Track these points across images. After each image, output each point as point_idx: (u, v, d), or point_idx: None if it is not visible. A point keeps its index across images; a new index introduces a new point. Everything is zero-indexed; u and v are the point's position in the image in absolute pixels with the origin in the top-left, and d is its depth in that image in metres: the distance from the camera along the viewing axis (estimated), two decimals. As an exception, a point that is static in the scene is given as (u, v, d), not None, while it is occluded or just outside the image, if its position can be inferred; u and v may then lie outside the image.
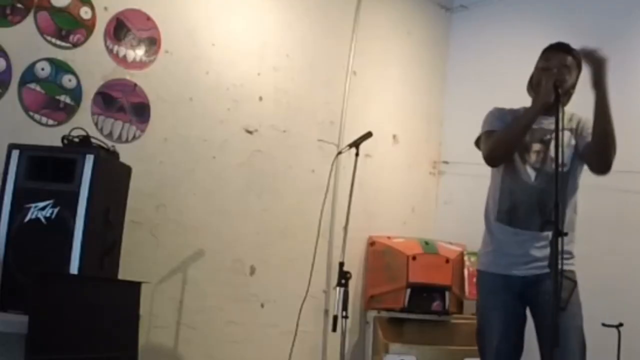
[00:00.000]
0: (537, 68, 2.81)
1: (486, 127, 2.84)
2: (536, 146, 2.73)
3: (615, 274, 3.82)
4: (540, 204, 2.66)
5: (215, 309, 3.73)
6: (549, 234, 2.56)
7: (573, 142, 2.73)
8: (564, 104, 2.68)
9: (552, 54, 2.77)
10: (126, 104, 3.48)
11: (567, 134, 2.66)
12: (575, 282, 2.65)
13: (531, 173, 2.73)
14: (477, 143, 2.89)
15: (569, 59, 2.74)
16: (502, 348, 2.69)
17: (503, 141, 2.73)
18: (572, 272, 2.68)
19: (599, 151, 2.62)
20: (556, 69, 2.70)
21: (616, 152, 2.63)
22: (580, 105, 2.75)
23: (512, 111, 2.83)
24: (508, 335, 2.69)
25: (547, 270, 2.37)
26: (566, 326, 2.48)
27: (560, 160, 2.42)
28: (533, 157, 2.73)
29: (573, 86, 2.78)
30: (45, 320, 2.28)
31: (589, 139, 2.66)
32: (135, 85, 3.51)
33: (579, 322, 2.61)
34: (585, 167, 2.78)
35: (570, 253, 2.68)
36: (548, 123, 2.67)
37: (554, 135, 2.64)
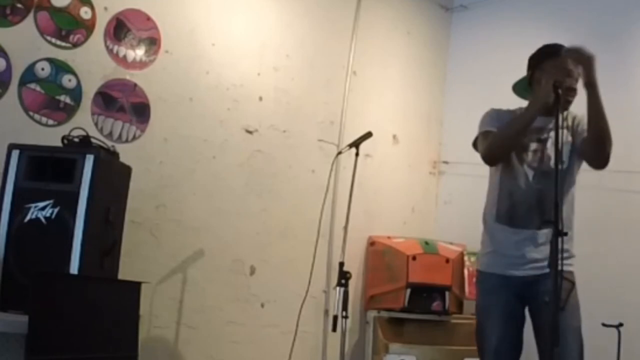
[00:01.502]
0: (544, 70, 2.76)
1: (483, 127, 2.84)
2: (533, 145, 2.74)
3: (615, 274, 3.81)
4: (539, 203, 2.66)
5: (215, 309, 3.74)
6: (547, 233, 2.57)
7: (570, 139, 2.74)
8: (565, 108, 2.68)
9: (561, 58, 2.72)
10: (126, 104, 3.48)
11: (563, 131, 2.65)
12: (573, 283, 2.65)
13: (529, 172, 2.73)
14: (475, 144, 2.89)
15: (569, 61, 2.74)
16: (501, 348, 2.69)
17: (502, 140, 2.73)
18: (571, 272, 2.68)
19: (596, 147, 2.63)
20: (571, 73, 2.68)
21: (612, 146, 2.63)
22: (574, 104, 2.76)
23: (509, 112, 2.83)
24: (507, 336, 2.70)
25: (545, 270, 2.38)
26: (564, 326, 2.48)
27: (560, 160, 2.41)
28: (530, 156, 2.74)
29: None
30: (45, 320, 2.28)
31: (585, 135, 2.67)
32: (135, 85, 3.51)
33: (577, 323, 2.61)
34: (584, 165, 2.78)
35: (568, 252, 2.68)
36: (544, 122, 2.67)
37: (550, 134, 2.65)
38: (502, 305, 2.72)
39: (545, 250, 2.59)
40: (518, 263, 2.69)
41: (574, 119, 2.77)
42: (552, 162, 2.66)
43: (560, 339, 2.33)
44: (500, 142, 2.74)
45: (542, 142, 2.72)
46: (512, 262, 2.70)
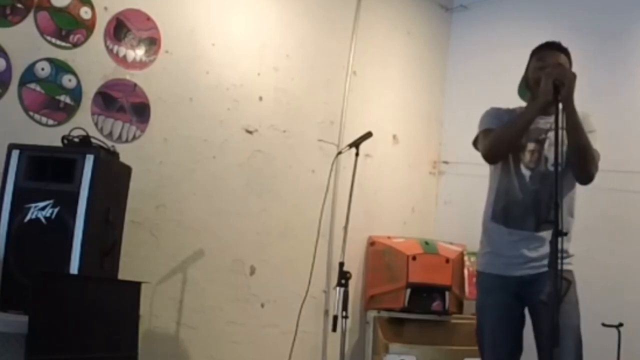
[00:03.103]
0: (530, 69, 2.81)
1: (483, 125, 2.84)
2: (531, 146, 2.74)
3: (615, 274, 3.81)
4: (534, 204, 2.66)
5: (215, 309, 3.73)
6: (544, 234, 2.57)
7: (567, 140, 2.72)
8: (569, 100, 2.64)
9: (544, 53, 2.77)
10: (126, 104, 3.48)
11: (563, 132, 2.65)
12: (569, 282, 2.64)
13: (526, 173, 2.73)
14: (475, 143, 2.89)
15: (562, 57, 2.75)
16: (500, 348, 2.69)
17: (502, 138, 2.73)
18: (569, 271, 2.67)
19: (578, 164, 2.63)
20: (552, 67, 2.69)
21: (596, 165, 2.64)
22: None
23: (508, 111, 2.83)
24: (506, 336, 2.70)
25: (542, 270, 2.37)
26: (561, 325, 2.48)
27: (554, 160, 2.41)
28: (527, 156, 2.73)
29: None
30: (45, 320, 2.28)
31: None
32: (135, 85, 3.51)
33: (575, 321, 2.61)
34: None
35: (566, 252, 2.68)
36: (543, 122, 2.68)
37: (549, 134, 2.65)
38: (501, 306, 2.72)
39: (541, 250, 2.61)
40: (515, 263, 2.69)
41: None
42: (549, 164, 2.67)
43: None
44: (501, 141, 2.74)
45: (540, 142, 2.72)
46: (509, 262, 2.70)
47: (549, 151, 2.68)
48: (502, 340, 2.69)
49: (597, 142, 2.70)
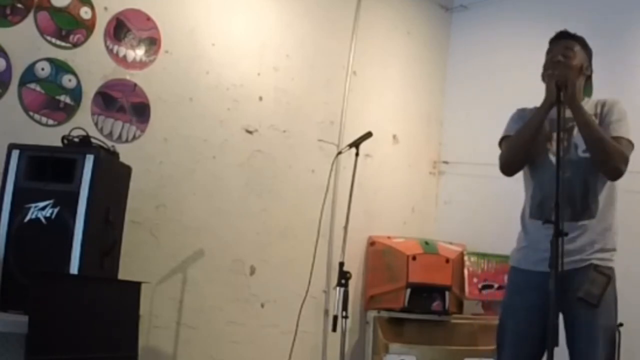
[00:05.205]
0: (544, 63, 2.76)
1: (504, 132, 2.79)
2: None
3: (615, 274, 3.81)
4: (568, 192, 2.53)
5: (215, 309, 3.73)
6: (580, 225, 2.54)
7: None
8: (573, 99, 2.61)
9: (553, 45, 2.74)
10: (126, 104, 3.48)
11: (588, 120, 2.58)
12: (609, 278, 2.56)
13: (554, 162, 2.59)
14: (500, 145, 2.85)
15: (570, 42, 2.70)
16: (521, 349, 2.61)
17: (514, 148, 2.69)
18: (610, 268, 2.60)
19: (597, 160, 2.56)
20: (561, 56, 2.65)
21: (624, 157, 2.55)
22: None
23: (532, 110, 2.74)
24: (529, 336, 2.58)
25: (579, 265, 2.35)
26: (597, 325, 2.44)
27: (560, 162, 2.39)
28: (555, 145, 2.60)
29: (584, 67, 2.72)
30: (45, 320, 2.28)
31: (611, 124, 2.59)
32: (135, 85, 3.51)
33: (611, 322, 2.56)
34: None
35: (604, 246, 2.61)
36: (568, 112, 2.59)
37: (574, 123, 2.60)
38: (527, 306, 2.60)
39: (578, 242, 2.54)
40: (549, 257, 2.62)
41: (602, 105, 2.67)
42: (579, 150, 2.59)
43: (590, 338, 2.30)
44: (512, 152, 2.69)
45: (567, 130, 2.62)
46: (544, 257, 2.58)
47: (577, 138, 2.60)
48: (525, 341, 2.59)
49: (630, 128, 2.61)
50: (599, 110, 2.67)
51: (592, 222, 2.60)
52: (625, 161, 2.56)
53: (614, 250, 2.67)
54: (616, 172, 2.57)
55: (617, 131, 2.58)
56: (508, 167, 2.72)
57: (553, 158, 2.63)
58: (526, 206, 2.78)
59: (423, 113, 4.92)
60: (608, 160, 2.54)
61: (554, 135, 2.63)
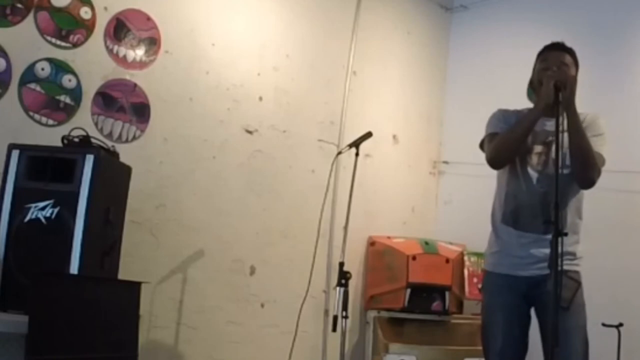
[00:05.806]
0: (535, 70, 2.80)
1: (489, 129, 2.83)
2: (538, 148, 2.72)
3: (615, 274, 3.81)
4: (543, 206, 2.62)
5: (215, 309, 3.73)
6: (551, 236, 2.56)
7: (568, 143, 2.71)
8: (570, 103, 2.64)
9: (548, 54, 2.77)
10: (126, 104, 3.48)
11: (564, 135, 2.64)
12: (579, 283, 2.65)
13: (533, 175, 2.72)
14: (482, 146, 2.88)
15: (567, 57, 2.75)
16: (506, 348, 2.68)
17: (505, 144, 2.72)
18: (577, 272, 2.68)
19: (578, 167, 2.63)
20: (555, 67, 2.70)
21: (599, 170, 2.63)
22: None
23: (516, 112, 2.81)
24: (512, 335, 2.69)
25: (549, 271, 2.36)
26: (569, 326, 2.48)
27: (560, 163, 2.41)
28: (535, 159, 2.72)
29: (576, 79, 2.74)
30: (45, 320, 2.27)
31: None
32: (135, 85, 3.51)
33: (582, 322, 2.61)
34: None
35: (574, 254, 2.68)
36: (550, 125, 2.64)
37: (554, 138, 2.63)
38: (508, 305, 2.71)
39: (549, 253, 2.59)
40: (524, 263, 2.68)
41: (583, 120, 2.71)
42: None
43: (564, 339, 2.33)
44: (503, 147, 2.73)
45: (547, 145, 2.70)
46: (518, 262, 2.70)
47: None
48: (509, 339, 2.68)
49: (605, 145, 2.69)
50: None
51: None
52: (599, 175, 2.66)
53: (580, 257, 2.74)
54: (590, 183, 2.66)
55: (595, 146, 2.65)
56: (498, 162, 2.78)
57: (532, 172, 2.72)
58: (496, 209, 2.85)
59: (423, 113, 4.92)
60: (588, 171, 2.63)
61: (535, 147, 2.68)
